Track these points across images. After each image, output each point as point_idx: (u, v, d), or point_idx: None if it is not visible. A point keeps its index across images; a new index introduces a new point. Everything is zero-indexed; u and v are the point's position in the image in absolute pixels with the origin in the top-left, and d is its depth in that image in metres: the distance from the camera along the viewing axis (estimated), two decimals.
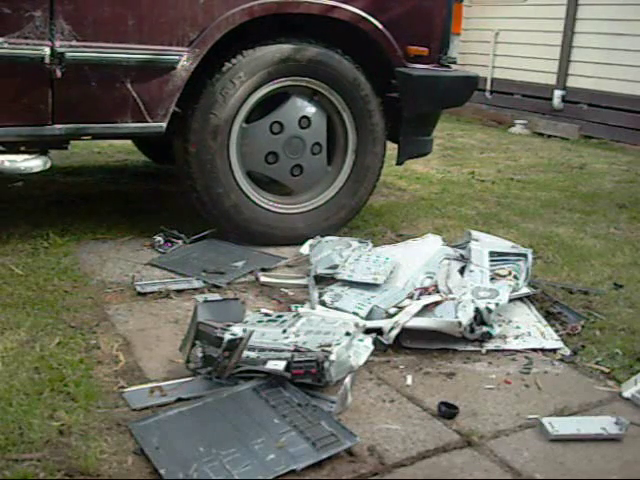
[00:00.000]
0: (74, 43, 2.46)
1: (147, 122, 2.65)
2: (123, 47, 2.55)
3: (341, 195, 3.10)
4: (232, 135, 2.83)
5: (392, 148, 3.25)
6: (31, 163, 2.59)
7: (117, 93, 2.57)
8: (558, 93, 7.93)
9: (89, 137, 2.73)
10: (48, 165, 2.64)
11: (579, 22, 7.72)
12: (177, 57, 2.63)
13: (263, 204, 2.96)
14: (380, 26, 2.91)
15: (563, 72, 7.88)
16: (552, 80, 8.00)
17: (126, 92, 2.58)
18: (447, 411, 1.74)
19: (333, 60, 2.91)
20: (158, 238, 2.87)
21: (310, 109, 2.97)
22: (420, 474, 1.51)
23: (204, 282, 2.51)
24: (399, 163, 3.29)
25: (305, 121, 2.95)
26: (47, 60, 2.42)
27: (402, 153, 3.24)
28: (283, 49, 2.81)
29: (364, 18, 2.88)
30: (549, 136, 7.79)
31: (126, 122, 2.63)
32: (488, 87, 9.06)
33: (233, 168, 2.87)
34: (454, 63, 3.22)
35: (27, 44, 2.40)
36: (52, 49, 2.43)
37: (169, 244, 2.85)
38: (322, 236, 2.87)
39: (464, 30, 9.43)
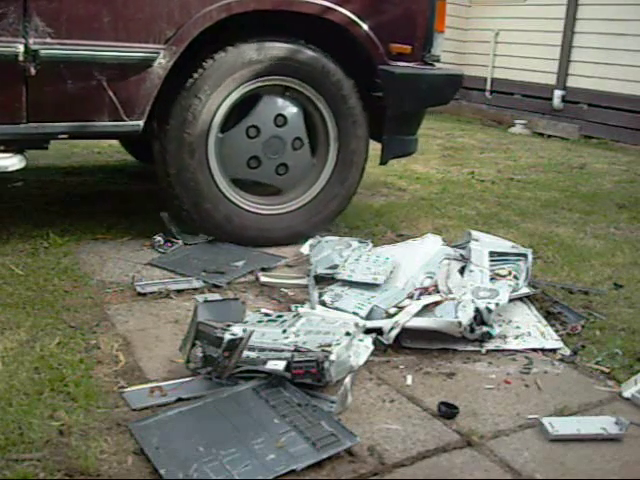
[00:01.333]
0: (48, 40, 2.42)
1: (124, 121, 2.62)
2: (98, 44, 2.51)
3: (330, 185, 3.06)
4: (209, 148, 2.79)
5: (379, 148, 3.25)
6: (6, 162, 2.57)
7: (93, 91, 2.53)
8: (558, 93, 7.93)
9: (65, 136, 2.68)
10: (23, 164, 2.60)
11: (579, 22, 7.72)
12: (153, 55, 2.58)
13: (254, 209, 2.93)
14: (361, 23, 2.86)
15: (563, 72, 7.88)
16: (552, 80, 8.00)
17: (102, 90, 2.54)
18: (447, 411, 1.74)
19: (297, 53, 2.84)
20: (158, 238, 2.87)
21: (284, 106, 2.91)
22: (420, 474, 1.51)
23: (204, 282, 2.50)
24: (383, 162, 3.24)
25: (281, 119, 2.90)
26: (21, 58, 2.38)
27: (386, 152, 3.19)
28: (244, 53, 2.75)
29: (345, 16, 2.83)
30: (549, 136, 7.79)
31: (103, 121, 2.59)
32: (488, 87, 9.06)
33: (216, 180, 2.84)
34: (438, 61, 3.18)
35: (0, 42, 2.36)
36: (26, 47, 2.39)
37: (169, 244, 2.85)
38: (322, 235, 2.87)
39: (464, 30, 9.50)
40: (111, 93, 2.56)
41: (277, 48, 2.81)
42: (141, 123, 2.65)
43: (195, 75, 2.71)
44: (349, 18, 2.85)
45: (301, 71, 2.87)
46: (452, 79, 3.27)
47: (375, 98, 3.04)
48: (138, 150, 4.33)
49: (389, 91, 2.99)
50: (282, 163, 2.95)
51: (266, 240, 2.95)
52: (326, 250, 2.66)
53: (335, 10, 2.82)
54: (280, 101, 2.92)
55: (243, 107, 2.89)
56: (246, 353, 1.78)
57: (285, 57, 2.83)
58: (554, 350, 2.15)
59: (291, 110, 2.94)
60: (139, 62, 2.58)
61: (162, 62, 2.61)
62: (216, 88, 2.73)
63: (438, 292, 2.30)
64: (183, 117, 2.72)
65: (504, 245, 2.73)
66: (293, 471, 1.46)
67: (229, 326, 1.80)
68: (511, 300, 2.32)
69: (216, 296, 2.36)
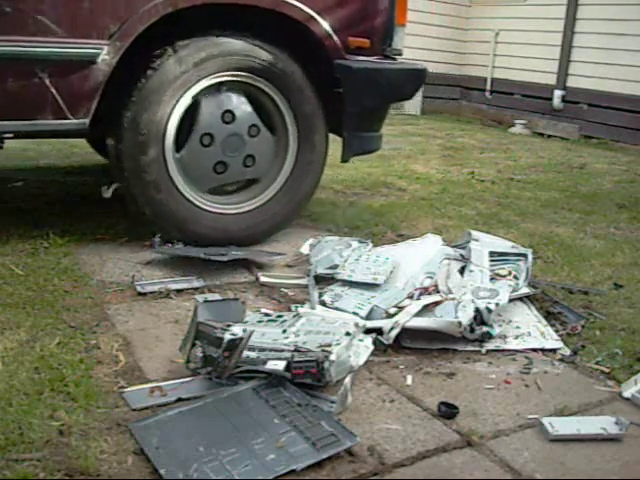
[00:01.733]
0: None
1: (69, 119, 2.53)
2: (39, 40, 2.43)
3: (287, 187, 2.98)
4: (170, 167, 2.72)
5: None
6: None
7: (35, 89, 2.45)
8: (558, 93, 7.93)
9: (11, 135, 2.62)
10: None
11: (579, 22, 7.73)
12: (97, 51, 2.50)
13: (213, 209, 2.86)
14: (316, 16, 2.77)
15: (563, 72, 7.89)
16: (552, 80, 8.00)
17: (44, 88, 2.46)
18: (447, 411, 1.74)
19: (244, 48, 2.75)
20: (157, 239, 2.87)
21: (227, 102, 2.81)
22: (420, 474, 1.51)
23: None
24: (344, 160, 3.13)
25: (229, 115, 2.80)
26: None
27: (347, 149, 3.08)
28: (171, 71, 2.64)
29: (300, 9, 2.74)
30: (549, 136, 7.80)
31: (46, 119, 2.51)
32: (488, 87, 9.07)
33: (188, 196, 2.78)
34: (400, 55, 3.09)
35: None
36: None
37: (169, 244, 2.85)
38: (322, 236, 2.87)
39: (464, 30, 9.50)
40: (54, 90, 2.47)
41: (219, 44, 2.71)
42: (87, 121, 2.56)
43: (133, 99, 2.63)
44: (304, 11, 2.76)
45: (257, 69, 2.79)
46: (414, 74, 3.15)
47: (337, 94, 2.95)
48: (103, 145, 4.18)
49: (347, 86, 2.90)
50: (249, 154, 2.88)
51: (253, 239, 2.93)
52: (326, 250, 2.66)
53: (289, 3, 2.74)
54: (221, 99, 2.81)
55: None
56: (246, 353, 1.78)
57: (209, 56, 2.70)
58: (554, 350, 2.15)
59: (235, 102, 2.83)
60: (81, 58, 2.50)
61: (106, 58, 2.51)
62: (158, 105, 2.64)
63: (438, 292, 2.30)
64: (135, 139, 2.64)
65: (504, 245, 2.73)
66: (293, 471, 1.46)
67: (229, 326, 1.80)
68: (511, 300, 2.32)
69: (216, 296, 2.36)
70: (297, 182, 3.00)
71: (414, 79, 3.16)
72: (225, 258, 2.58)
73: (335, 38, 2.84)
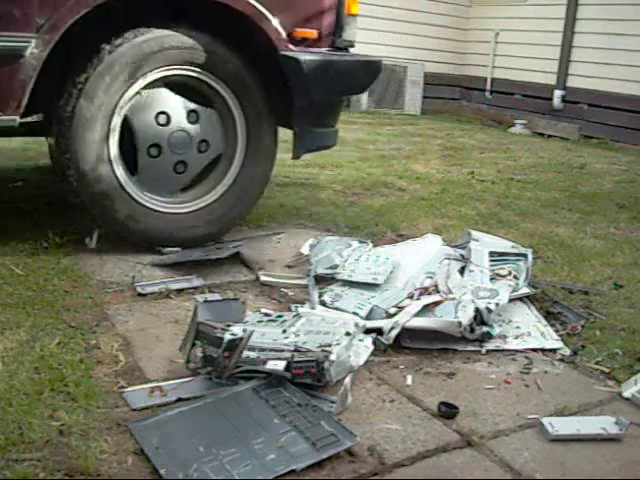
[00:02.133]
0: None
1: None
2: None
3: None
4: (124, 185, 2.65)
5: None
6: None
7: None
8: (558, 93, 7.94)
9: None
10: None
11: (579, 22, 7.73)
12: (24, 44, 2.38)
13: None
14: (259, 6, 2.65)
15: (563, 72, 7.89)
16: (552, 80, 8.01)
17: None
18: (447, 411, 1.74)
19: (178, 39, 2.63)
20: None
21: (162, 102, 2.71)
22: (420, 474, 1.51)
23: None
24: (295, 157, 3.00)
25: (163, 117, 2.71)
26: None
27: (298, 145, 2.95)
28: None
29: None
30: (549, 136, 7.80)
31: None
32: (488, 87, 9.07)
33: (149, 205, 2.72)
34: (352, 46, 2.97)
35: None
36: None
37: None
38: (322, 236, 2.87)
39: (464, 30, 9.50)
40: None
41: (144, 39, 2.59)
42: (17, 117, 2.46)
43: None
44: (244, 0, 2.64)
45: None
46: (367, 66, 3.00)
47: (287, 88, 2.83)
48: None
49: (294, 79, 2.76)
50: (203, 140, 2.80)
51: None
52: (326, 250, 2.65)
53: None
54: (156, 99, 2.70)
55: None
56: (246, 353, 1.78)
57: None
58: (554, 350, 2.15)
59: (163, 101, 2.72)
60: (8, 52, 2.38)
61: (35, 52, 2.40)
62: (94, 123, 2.56)
63: (438, 292, 2.30)
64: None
65: (504, 245, 2.73)
66: (293, 471, 1.46)
67: (229, 326, 1.80)
68: (511, 300, 2.32)
69: (216, 296, 2.36)
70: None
71: (367, 71, 3.01)
72: (225, 254, 2.56)
73: (279, 29, 2.72)
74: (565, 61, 7.84)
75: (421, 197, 4.14)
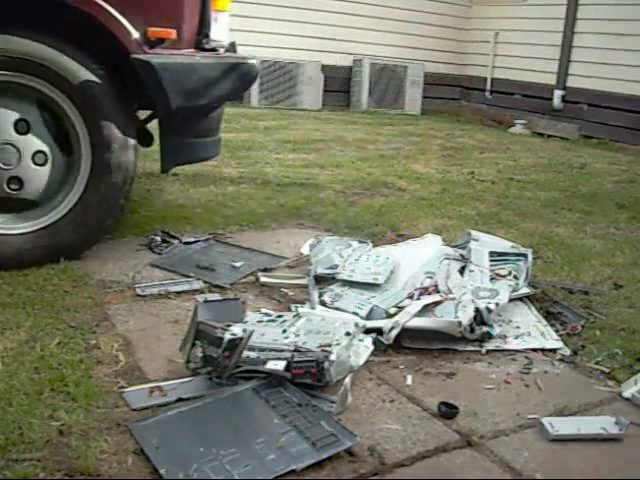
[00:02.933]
0: None
1: None
2: None
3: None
4: None
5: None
6: None
7: None
8: (558, 93, 7.94)
9: None
10: None
11: (579, 22, 7.73)
12: None
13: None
14: (103, 3, 2.37)
15: (563, 72, 7.89)
16: (552, 80, 8.01)
17: None
18: (447, 411, 1.74)
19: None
20: (156, 238, 2.87)
21: None
22: (420, 474, 1.51)
23: (205, 282, 2.50)
24: (164, 170, 2.75)
25: None
26: None
27: (165, 157, 2.67)
28: None
29: None
30: (549, 136, 7.80)
31: None
32: (488, 87, 9.07)
33: None
34: (222, 47, 2.71)
35: None
36: None
37: (170, 244, 2.85)
38: (322, 236, 2.87)
39: (464, 30, 9.50)
40: None
41: None
42: None
43: None
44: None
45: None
46: (238, 69, 2.67)
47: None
48: None
49: (150, 85, 2.48)
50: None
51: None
52: (326, 250, 2.65)
53: None
54: None
55: None
56: (246, 353, 1.78)
57: None
58: (554, 350, 2.15)
59: None
60: None
61: None
62: None
63: (438, 292, 2.30)
64: None
65: (504, 245, 2.73)
66: (293, 471, 1.46)
67: (229, 326, 1.80)
68: (511, 300, 2.32)
69: (216, 296, 2.36)
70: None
71: (237, 75, 2.67)
72: (229, 282, 2.52)
73: (130, 29, 2.43)
74: (565, 61, 7.85)
75: (421, 197, 4.14)
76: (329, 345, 1.82)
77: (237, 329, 1.79)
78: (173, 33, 2.49)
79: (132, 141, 2.61)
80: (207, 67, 2.58)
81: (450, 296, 2.25)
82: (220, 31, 2.67)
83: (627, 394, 1.89)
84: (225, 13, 2.72)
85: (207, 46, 2.61)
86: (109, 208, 2.61)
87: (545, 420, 1.71)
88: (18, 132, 2.48)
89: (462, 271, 2.46)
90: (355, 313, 2.19)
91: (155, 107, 2.61)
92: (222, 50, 2.77)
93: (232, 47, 3.00)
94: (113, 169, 2.56)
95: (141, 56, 2.45)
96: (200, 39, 2.58)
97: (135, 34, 2.44)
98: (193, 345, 1.80)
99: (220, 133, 2.94)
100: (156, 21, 2.47)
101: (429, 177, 4.80)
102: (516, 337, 2.20)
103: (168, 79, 2.46)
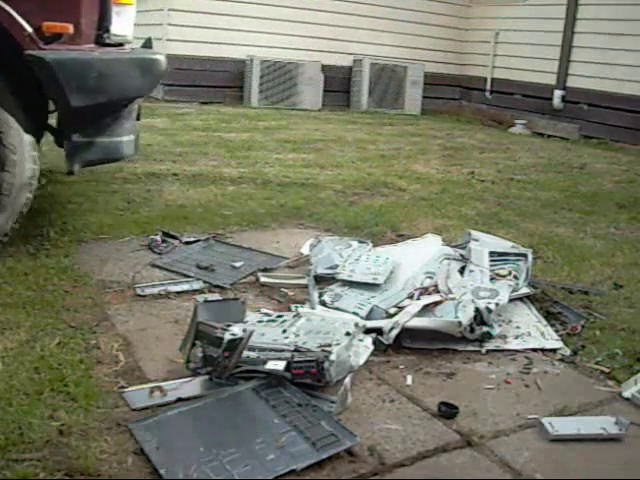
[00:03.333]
0: None
1: None
2: None
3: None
4: None
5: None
6: None
7: None
8: (558, 93, 7.94)
9: None
10: None
11: (579, 22, 7.73)
12: None
13: None
14: None
15: (563, 72, 7.89)
16: (552, 80, 8.01)
17: None
18: (447, 411, 1.74)
19: None
20: (155, 237, 2.87)
21: None
22: (420, 474, 1.51)
23: (204, 282, 2.50)
24: (68, 171, 2.62)
25: None
26: None
27: (70, 158, 2.55)
28: None
29: None
30: (549, 136, 7.80)
31: None
32: (488, 87, 9.07)
33: None
34: (128, 42, 2.59)
35: None
36: None
37: (170, 244, 2.85)
38: (322, 236, 2.87)
39: (464, 30, 9.50)
40: None
41: None
42: None
43: None
44: None
45: None
46: (141, 65, 2.57)
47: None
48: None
49: (45, 83, 2.39)
50: None
51: None
52: (326, 250, 2.66)
53: None
54: None
55: None
56: (246, 353, 1.78)
57: None
58: (554, 350, 2.15)
59: None
60: None
61: None
62: None
63: (438, 292, 2.30)
64: None
65: (504, 245, 2.73)
66: (293, 471, 1.46)
67: (229, 326, 1.80)
68: (511, 300, 2.32)
69: (216, 296, 2.36)
70: None
71: (142, 72, 2.57)
72: (229, 282, 2.52)
73: (23, 23, 2.30)
74: (565, 61, 7.85)
75: (421, 197, 4.14)
76: (329, 345, 1.82)
77: (237, 329, 1.79)
78: (70, 27, 2.37)
79: (28, 137, 2.49)
80: (107, 63, 2.47)
81: (450, 296, 2.25)
82: (124, 25, 2.55)
83: (627, 394, 1.89)
84: (129, 7, 2.59)
85: (109, 41, 2.50)
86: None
87: (545, 420, 1.71)
88: None
89: (462, 271, 2.46)
90: (355, 313, 2.19)
91: (55, 105, 2.50)
92: (127, 45, 2.65)
93: (148, 42, 2.89)
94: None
95: (35, 52, 2.33)
96: (101, 34, 2.48)
97: (29, 29, 2.32)
98: (193, 345, 1.80)
99: (136, 132, 2.81)
100: (51, 15, 2.35)
101: (429, 177, 4.80)
102: (516, 337, 2.20)
103: (65, 76, 2.36)
